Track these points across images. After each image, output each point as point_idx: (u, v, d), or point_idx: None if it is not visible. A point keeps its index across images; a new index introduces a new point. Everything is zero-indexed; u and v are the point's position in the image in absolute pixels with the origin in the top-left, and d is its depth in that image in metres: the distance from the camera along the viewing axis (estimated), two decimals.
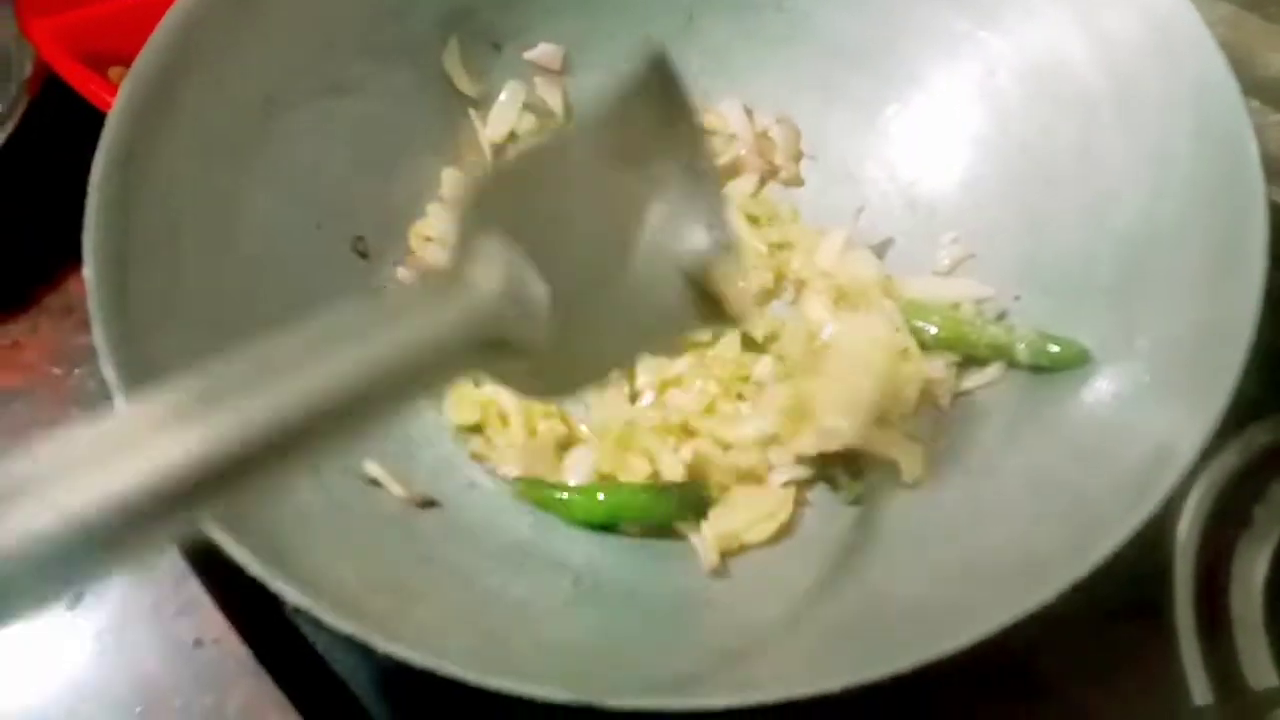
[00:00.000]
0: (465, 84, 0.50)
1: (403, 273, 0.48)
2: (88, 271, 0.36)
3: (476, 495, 0.41)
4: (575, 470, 0.42)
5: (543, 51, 0.51)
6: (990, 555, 0.35)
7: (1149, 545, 0.32)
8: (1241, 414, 0.48)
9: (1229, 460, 0.49)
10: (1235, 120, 0.36)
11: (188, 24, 0.42)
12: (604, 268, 0.30)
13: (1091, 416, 0.37)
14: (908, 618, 0.34)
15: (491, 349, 0.25)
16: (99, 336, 0.35)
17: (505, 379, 0.28)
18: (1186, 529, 0.47)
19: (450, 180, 0.49)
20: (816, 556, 0.38)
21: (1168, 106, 0.39)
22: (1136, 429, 0.35)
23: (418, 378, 0.24)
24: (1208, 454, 0.47)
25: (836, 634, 0.34)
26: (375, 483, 0.39)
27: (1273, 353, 0.50)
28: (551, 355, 0.26)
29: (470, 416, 0.43)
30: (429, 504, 0.40)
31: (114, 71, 0.59)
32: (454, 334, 0.24)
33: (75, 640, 0.43)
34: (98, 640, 0.43)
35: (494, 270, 0.25)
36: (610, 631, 0.36)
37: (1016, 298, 0.43)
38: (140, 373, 0.35)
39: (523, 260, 0.26)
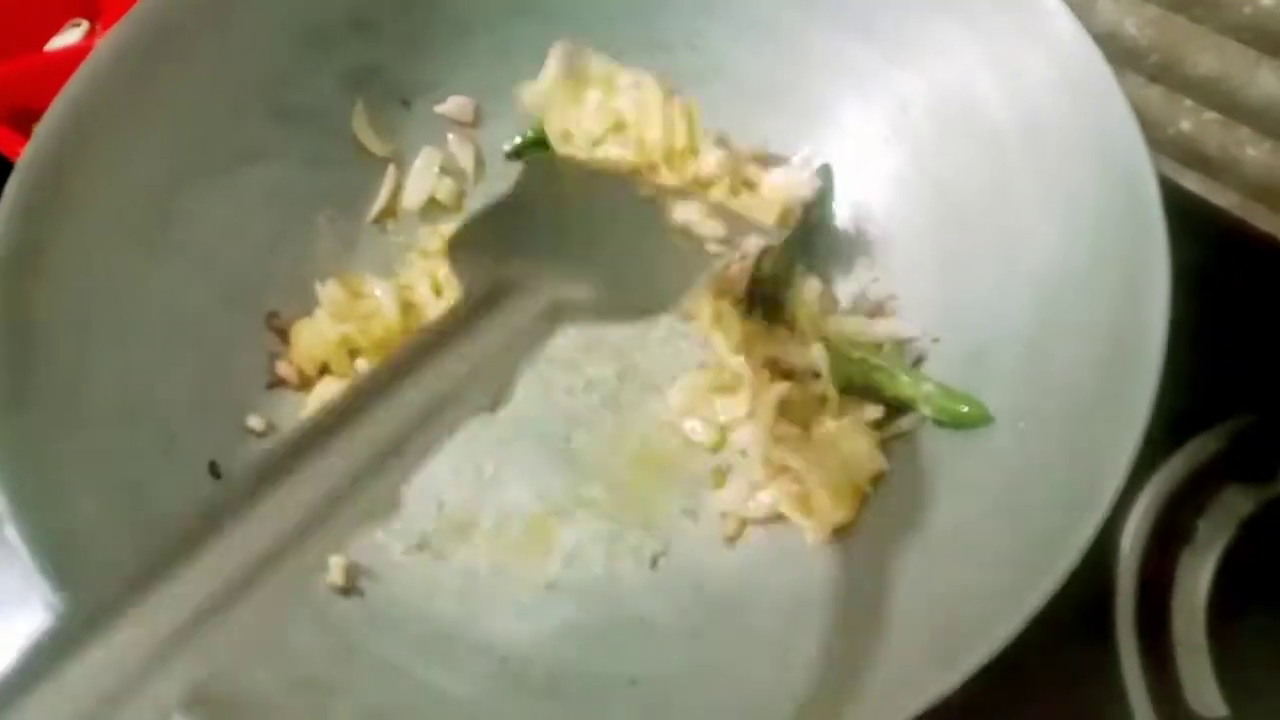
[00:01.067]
0: (376, 145, 0.49)
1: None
2: None
3: (401, 574, 0.41)
4: None
5: (454, 105, 0.51)
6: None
7: (1091, 564, 0.32)
8: (1183, 428, 0.49)
9: (1171, 475, 0.49)
10: (1138, 162, 0.36)
11: (78, 111, 0.41)
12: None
13: (1006, 467, 0.37)
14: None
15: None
16: None
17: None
18: (1129, 546, 0.47)
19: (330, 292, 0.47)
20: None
21: (1074, 149, 0.39)
22: (1053, 476, 0.35)
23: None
24: (1149, 469, 0.48)
25: None
26: None
27: (1208, 366, 0.50)
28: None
29: None
30: (349, 591, 0.39)
31: None
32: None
33: None
34: None
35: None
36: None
37: (935, 340, 0.42)
38: (41, 489, 0.34)
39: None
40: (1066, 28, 0.39)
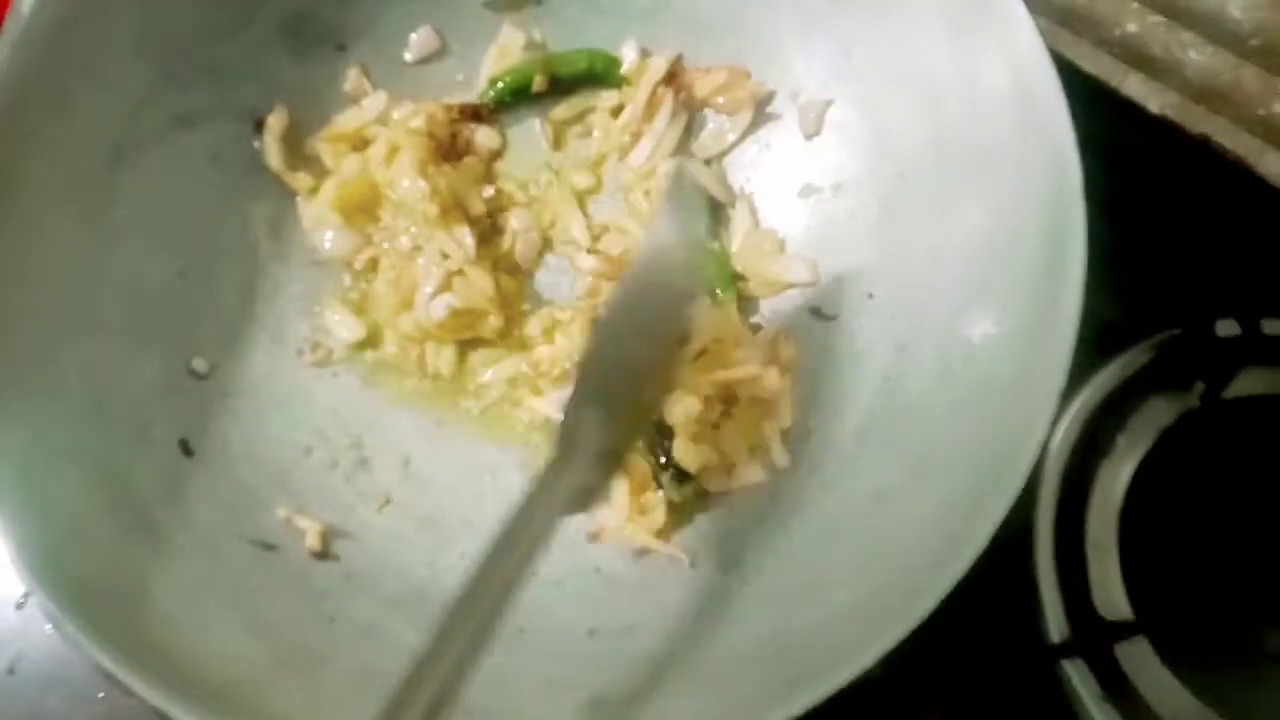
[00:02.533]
0: (289, 178, 0.48)
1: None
2: None
3: (371, 534, 0.44)
4: None
5: (417, 43, 0.50)
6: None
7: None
8: (1110, 341, 0.51)
9: (1095, 390, 0.51)
10: (1064, 142, 0.37)
11: (8, 97, 0.40)
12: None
13: (924, 433, 0.39)
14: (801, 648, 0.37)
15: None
16: None
17: None
18: (1054, 455, 0.50)
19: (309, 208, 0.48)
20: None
21: (1008, 119, 0.39)
22: (989, 416, 0.37)
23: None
24: (1078, 381, 0.51)
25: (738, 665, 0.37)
26: (268, 546, 0.41)
27: (1138, 278, 0.52)
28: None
29: None
30: (325, 556, 0.42)
31: None
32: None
33: None
34: None
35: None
36: (510, 669, 0.39)
37: (870, 296, 0.44)
38: (25, 495, 0.36)
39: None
40: (1013, 7, 0.39)
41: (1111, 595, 0.48)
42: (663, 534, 0.43)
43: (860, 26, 0.45)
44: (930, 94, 0.42)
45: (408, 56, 0.50)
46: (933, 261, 0.42)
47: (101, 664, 0.34)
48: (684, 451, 0.42)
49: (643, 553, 0.43)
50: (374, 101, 0.49)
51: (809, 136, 0.47)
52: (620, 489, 0.43)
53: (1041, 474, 0.49)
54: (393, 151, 0.47)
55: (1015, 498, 0.35)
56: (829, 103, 0.46)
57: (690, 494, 0.43)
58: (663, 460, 0.43)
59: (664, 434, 0.43)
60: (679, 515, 0.43)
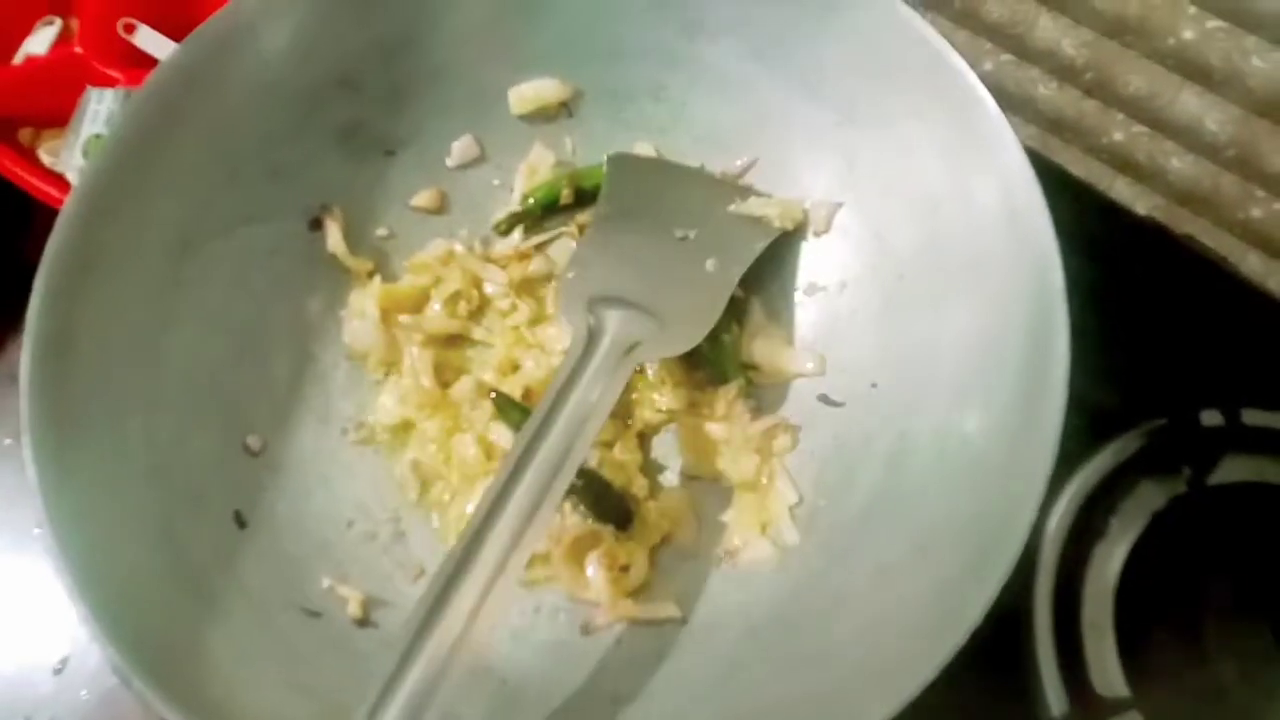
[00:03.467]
0: (352, 262, 0.52)
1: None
2: (26, 439, 0.40)
3: (408, 602, 0.46)
4: None
5: (458, 150, 0.54)
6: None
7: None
8: (1102, 428, 0.54)
9: (1090, 475, 0.54)
10: (1047, 248, 0.41)
11: (92, 197, 0.45)
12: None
13: (932, 500, 0.42)
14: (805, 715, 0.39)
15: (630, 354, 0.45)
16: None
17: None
18: (1050, 539, 0.53)
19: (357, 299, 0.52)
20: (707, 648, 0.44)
21: (995, 226, 0.43)
22: (983, 498, 0.40)
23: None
24: (1070, 470, 0.54)
25: None
26: (313, 613, 0.45)
27: (1130, 369, 0.55)
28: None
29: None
30: (365, 623, 0.45)
31: (24, 133, 0.62)
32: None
33: None
34: None
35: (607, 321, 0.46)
36: None
37: (874, 385, 0.48)
38: (89, 547, 0.40)
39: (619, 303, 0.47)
40: (997, 126, 0.43)
41: (1108, 673, 0.50)
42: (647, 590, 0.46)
43: (863, 143, 0.49)
44: (927, 203, 0.46)
45: (449, 162, 0.55)
46: (930, 355, 0.46)
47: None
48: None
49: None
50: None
51: (818, 234, 0.51)
52: (594, 571, 0.46)
53: (1039, 555, 0.52)
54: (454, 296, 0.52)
55: (1008, 574, 0.37)
56: (839, 205, 0.50)
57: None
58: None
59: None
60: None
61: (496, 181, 0.55)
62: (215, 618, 0.42)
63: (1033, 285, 0.41)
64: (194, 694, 0.38)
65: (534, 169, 0.55)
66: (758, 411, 0.50)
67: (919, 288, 0.47)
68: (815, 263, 0.51)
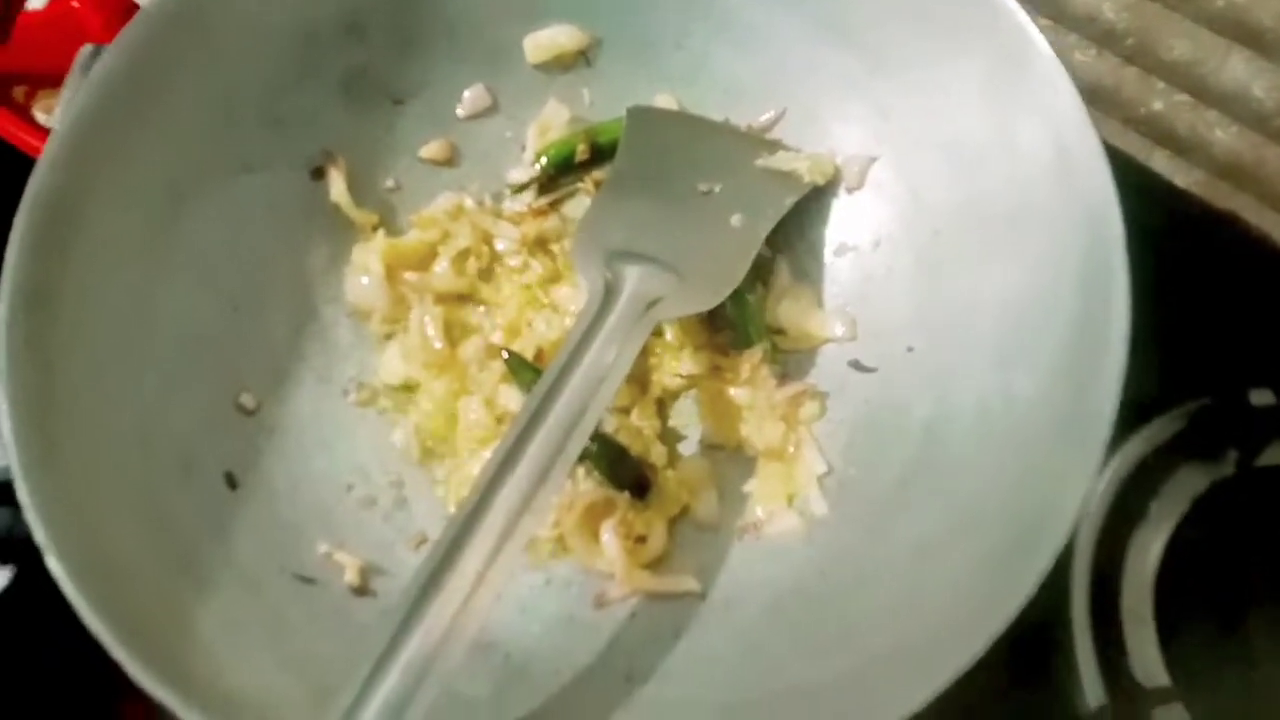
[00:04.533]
0: (356, 214, 0.50)
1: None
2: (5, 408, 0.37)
3: (407, 571, 0.44)
4: None
5: (469, 99, 0.52)
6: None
7: None
8: (1141, 410, 0.52)
9: (1127, 457, 0.51)
10: (1105, 198, 0.38)
11: (77, 140, 0.42)
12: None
13: (975, 470, 0.40)
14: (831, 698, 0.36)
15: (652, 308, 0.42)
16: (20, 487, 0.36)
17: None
18: (1087, 523, 0.50)
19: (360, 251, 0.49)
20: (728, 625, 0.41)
21: (1045, 175, 0.40)
22: (1011, 503, 0.38)
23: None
24: (1109, 450, 0.51)
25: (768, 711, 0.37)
26: (308, 580, 0.42)
27: (1168, 349, 0.53)
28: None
29: None
30: (364, 592, 0.42)
31: (18, 91, 0.61)
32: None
33: None
34: None
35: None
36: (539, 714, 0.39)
37: (909, 349, 0.45)
38: (77, 526, 0.37)
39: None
40: (1049, 63, 0.40)
41: (1148, 662, 0.47)
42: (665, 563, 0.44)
43: (898, 91, 0.46)
44: (968, 152, 0.43)
45: (460, 112, 0.52)
46: (971, 315, 0.43)
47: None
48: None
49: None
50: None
51: (851, 190, 0.48)
52: (610, 539, 0.44)
53: (1076, 540, 0.49)
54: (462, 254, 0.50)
55: (1059, 551, 0.35)
56: (873, 159, 0.47)
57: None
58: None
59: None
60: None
61: (509, 134, 0.52)
62: (203, 585, 0.39)
63: (1086, 236, 0.38)
64: (179, 669, 0.35)
65: (546, 127, 0.52)
66: (784, 378, 0.47)
67: (958, 243, 0.44)
68: (847, 220, 0.49)
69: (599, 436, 0.44)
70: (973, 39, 0.42)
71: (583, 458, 0.42)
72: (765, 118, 0.50)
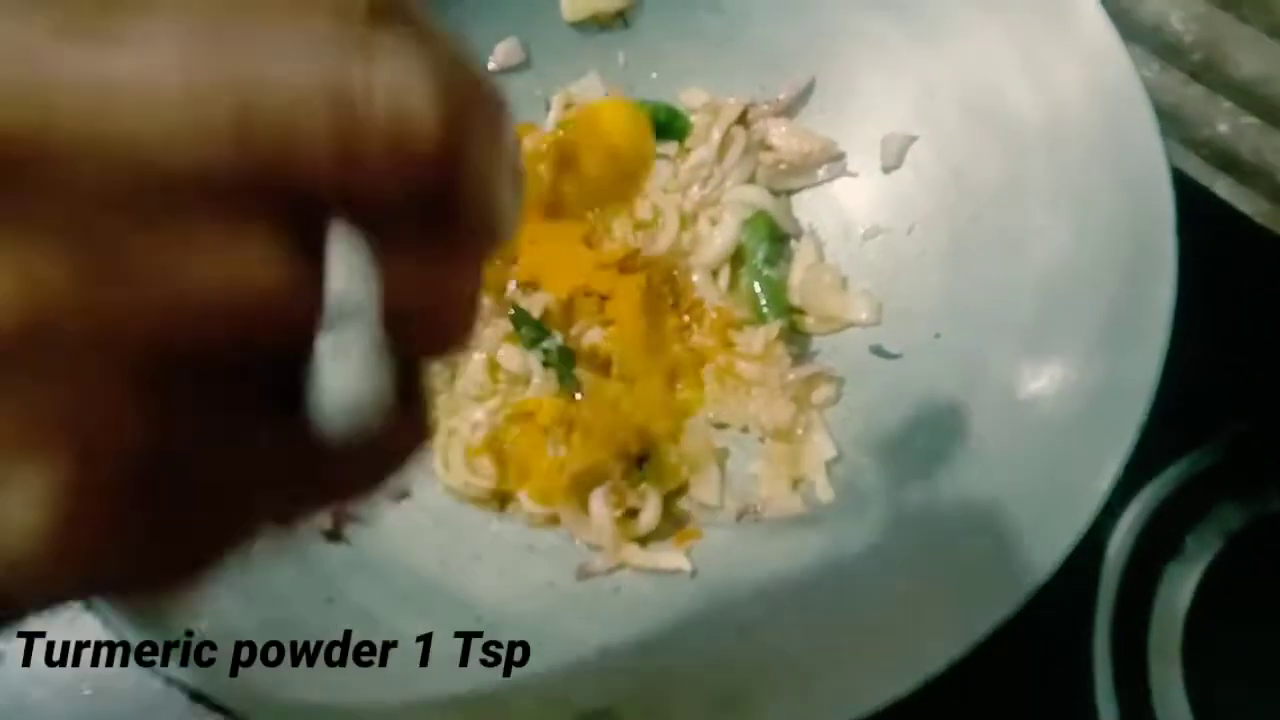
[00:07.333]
0: None
1: None
2: None
3: (385, 524, 0.41)
4: None
5: (501, 52, 0.50)
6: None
7: (1076, 570, 0.32)
8: (1180, 437, 0.48)
9: (1164, 486, 0.48)
10: (1156, 176, 0.35)
11: None
12: None
13: (997, 460, 0.37)
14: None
15: None
16: None
17: None
18: (1115, 553, 0.47)
19: None
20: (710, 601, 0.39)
21: (1093, 152, 0.38)
22: (1035, 487, 0.35)
23: None
24: (1143, 478, 0.48)
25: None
26: None
27: (1210, 375, 0.50)
28: None
29: None
30: (336, 537, 0.40)
31: None
32: None
33: None
34: None
35: None
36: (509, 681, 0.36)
37: (937, 336, 0.42)
38: None
39: None
40: (1098, 28, 0.38)
41: (1172, 706, 0.44)
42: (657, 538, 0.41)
43: (943, 63, 0.44)
44: (1012, 130, 0.41)
45: (491, 64, 0.50)
46: (1003, 301, 0.40)
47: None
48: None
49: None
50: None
51: (887, 169, 0.46)
52: (599, 508, 0.41)
53: (1100, 574, 0.46)
54: None
55: (1077, 542, 0.32)
56: (913, 138, 0.45)
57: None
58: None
59: None
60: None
61: (539, 92, 0.50)
62: None
63: (1133, 216, 0.36)
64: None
65: (569, 100, 0.50)
66: (800, 359, 0.44)
67: (997, 226, 0.42)
68: (881, 201, 0.46)
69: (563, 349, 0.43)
70: (1019, 4, 0.40)
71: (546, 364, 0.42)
72: (797, 86, 0.48)
